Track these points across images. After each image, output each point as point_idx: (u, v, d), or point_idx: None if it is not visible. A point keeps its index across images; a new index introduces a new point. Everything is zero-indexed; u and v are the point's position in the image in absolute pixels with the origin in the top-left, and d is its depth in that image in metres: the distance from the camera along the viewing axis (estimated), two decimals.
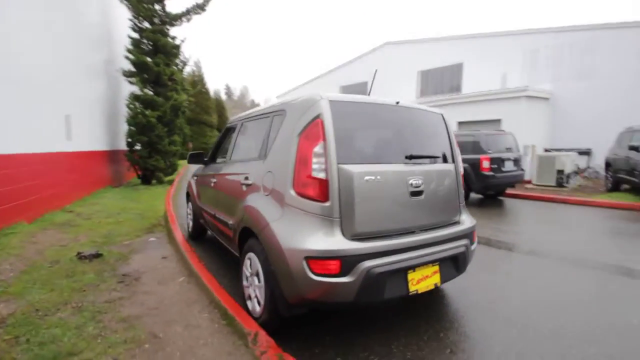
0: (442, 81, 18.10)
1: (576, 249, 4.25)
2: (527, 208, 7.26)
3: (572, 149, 11.87)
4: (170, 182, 10.06)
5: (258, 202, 2.28)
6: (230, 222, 2.80)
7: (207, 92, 26.96)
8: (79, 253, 3.60)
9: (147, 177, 9.49)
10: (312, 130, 2.02)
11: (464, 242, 2.43)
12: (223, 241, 3.25)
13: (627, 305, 2.73)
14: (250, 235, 2.43)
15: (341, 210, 1.95)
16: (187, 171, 15.24)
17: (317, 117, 2.03)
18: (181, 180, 11.50)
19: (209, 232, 4.57)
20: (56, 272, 3.18)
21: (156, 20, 9.24)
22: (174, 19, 9.43)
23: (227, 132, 3.84)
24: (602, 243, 4.63)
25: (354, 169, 2.03)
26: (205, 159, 4.05)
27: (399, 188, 2.17)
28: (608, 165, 9.19)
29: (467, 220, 2.59)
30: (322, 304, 1.99)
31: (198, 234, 4.53)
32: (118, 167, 9.37)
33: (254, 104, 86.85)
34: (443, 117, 2.67)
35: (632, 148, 7.44)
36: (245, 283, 2.48)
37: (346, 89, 22.67)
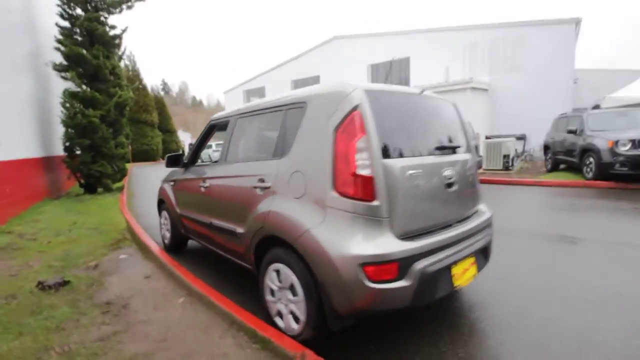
0: (391, 74, 18.72)
1: (538, 224, 4.62)
2: (487, 191, 7.79)
3: (509, 135, 13.01)
4: (120, 189, 9.03)
5: (287, 207, 2.03)
6: (239, 230, 2.50)
7: (145, 89, 24.77)
8: (39, 283, 2.98)
9: (92, 185, 8.39)
10: (351, 123, 1.83)
11: (490, 230, 2.45)
12: (223, 252, 2.91)
13: (577, 265, 3.00)
14: (273, 245, 2.18)
15: (389, 208, 1.81)
16: (134, 176, 13.92)
17: (355, 109, 1.85)
18: (133, 187, 10.42)
19: (192, 242, 4.15)
20: (17, 309, 2.59)
21: (90, 7, 8.11)
22: (113, 6, 8.36)
23: (210, 131, 3.45)
24: (565, 218, 5.10)
25: (396, 163, 1.89)
26: (185, 162, 3.62)
27: (436, 181, 2.09)
28: (547, 148, 10.23)
29: (484, 208, 2.61)
30: (375, 312, 1.83)
31: (177, 246, 4.06)
32: (55, 175, 8.15)
33: (195, 101, 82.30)
34: (455, 105, 2.64)
35: (570, 132, 8.35)
36: (270, 298, 2.22)
37: (298, 84, 22.41)
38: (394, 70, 18.47)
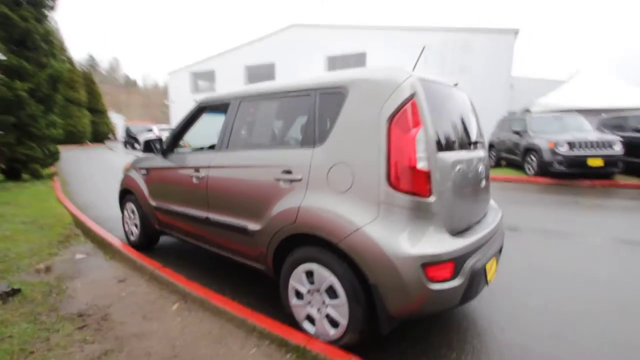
0: (348, 68, 18.87)
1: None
2: None
3: None
4: (51, 176, 7.77)
5: (327, 203, 1.82)
6: (252, 227, 2.22)
7: (71, 62, 21.68)
8: None
9: (16, 171, 7.07)
10: (407, 114, 1.68)
11: (503, 225, 2.51)
12: (223, 251, 2.58)
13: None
14: (302, 243, 1.97)
15: (442, 204, 1.72)
16: (64, 161, 12.23)
17: (412, 97, 1.71)
18: (65, 174, 9.09)
19: (164, 238, 3.68)
20: None
21: None
22: None
23: (198, 114, 3.04)
24: (522, 211, 5.58)
25: (448, 157, 1.81)
26: (164, 148, 3.15)
27: (475, 176, 2.06)
28: (491, 146, 11.19)
29: (494, 204, 2.67)
30: (426, 314, 1.74)
31: (148, 243, 3.57)
32: None
33: (129, 80, 74.63)
34: (470, 98, 2.64)
35: (515, 132, 9.20)
36: (296, 302, 2.01)
37: (252, 70, 21.51)
38: (351, 65, 18.63)
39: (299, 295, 2.01)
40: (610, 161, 7.34)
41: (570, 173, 7.51)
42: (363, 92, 1.83)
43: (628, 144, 7.64)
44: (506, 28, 15.41)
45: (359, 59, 18.31)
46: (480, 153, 2.29)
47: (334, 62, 19.05)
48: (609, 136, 7.64)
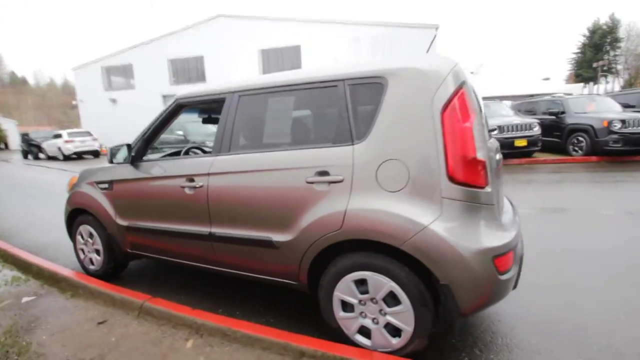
0: (283, 62, 18.53)
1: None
2: None
3: None
4: None
5: (380, 204, 1.66)
6: (278, 238, 1.96)
7: None
8: None
9: None
10: (460, 103, 1.62)
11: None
12: (238, 270, 2.24)
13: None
14: (346, 251, 1.80)
15: (494, 194, 1.71)
16: None
17: (462, 86, 1.65)
18: None
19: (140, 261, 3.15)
20: None
21: None
22: None
23: (175, 113, 2.60)
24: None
25: (491, 145, 1.81)
26: (133, 155, 2.63)
27: (497, 164, 2.10)
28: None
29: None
30: (490, 306, 1.72)
31: (115, 270, 2.99)
32: None
33: (15, 78, 62.99)
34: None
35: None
36: (344, 314, 1.83)
37: (177, 64, 19.80)
38: (285, 58, 18.31)
39: (346, 307, 1.84)
40: None
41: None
42: (408, 82, 1.70)
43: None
44: (428, 23, 16.64)
45: (293, 52, 18.09)
46: (495, 141, 2.35)
47: (268, 55, 18.53)
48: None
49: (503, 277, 1.60)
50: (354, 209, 1.72)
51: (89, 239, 2.99)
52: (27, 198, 7.24)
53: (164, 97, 20.31)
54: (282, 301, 2.52)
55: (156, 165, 2.54)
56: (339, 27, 17.24)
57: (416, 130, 1.65)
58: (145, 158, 2.68)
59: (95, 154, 17.28)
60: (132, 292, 2.51)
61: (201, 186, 2.23)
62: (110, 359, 1.89)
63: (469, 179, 1.59)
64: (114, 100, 21.17)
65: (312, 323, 2.23)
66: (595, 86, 40.33)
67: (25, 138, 19.75)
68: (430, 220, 1.58)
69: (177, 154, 3.06)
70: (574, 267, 2.86)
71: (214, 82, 2.49)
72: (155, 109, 20.02)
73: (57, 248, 3.89)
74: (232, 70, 18.48)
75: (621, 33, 45.41)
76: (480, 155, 1.60)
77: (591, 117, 8.38)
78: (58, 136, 16.79)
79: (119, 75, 21.42)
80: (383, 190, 1.69)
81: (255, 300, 2.56)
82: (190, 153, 3.13)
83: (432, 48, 16.53)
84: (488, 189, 1.64)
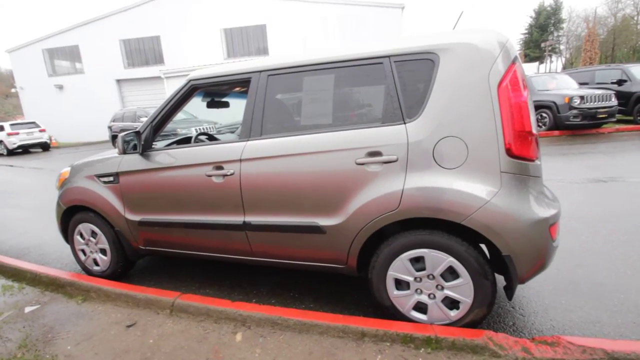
0: (249, 42, 17.77)
1: None
2: None
3: None
4: None
5: (439, 181, 1.66)
6: (325, 223, 1.92)
7: None
8: None
9: None
10: (515, 77, 1.64)
11: None
12: (275, 258, 2.17)
13: None
14: (401, 230, 1.80)
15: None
16: None
17: (515, 61, 1.67)
18: None
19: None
20: None
21: None
22: None
23: (187, 97, 2.40)
24: None
25: None
26: (142, 144, 2.41)
27: None
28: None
29: None
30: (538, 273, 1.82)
31: (124, 269, 2.78)
32: None
33: None
34: None
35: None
36: (399, 292, 1.85)
37: (130, 44, 18.28)
38: (251, 38, 17.56)
39: (400, 285, 1.86)
40: None
41: None
42: (462, 58, 1.69)
43: None
44: (394, 3, 16.66)
45: (258, 31, 17.38)
46: None
47: (232, 35, 17.65)
48: None
49: (555, 244, 1.70)
50: (411, 187, 1.71)
51: (91, 238, 2.74)
52: None
53: (118, 81, 18.76)
54: (315, 285, 2.50)
55: (171, 154, 2.35)
56: (306, 5, 16.72)
57: (473, 106, 1.66)
58: (154, 146, 2.48)
59: (45, 146, 15.74)
60: (158, 290, 2.36)
61: (232, 173, 2.10)
62: None
63: (524, 153, 1.64)
64: (60, 87, 19.19)
65: (354, 304, 2.24)
66: (542, 65, 43.17)
67: None
68: (491, 194, 1.62)
69: (185, 141, 2.85)
70: (574, 232, 3.11)
71: (233, 63, 2.31)
72: (109, 95, 18.56)
73: (41, 251, 3.55)
74: (193, 51, 17.42)
75: (564, 14, 48.62)
76: (534, 129, 1.65)
77: None
78: (32, 125, 15.03)
79: (64, 58, 19.32)
80: (441, 167, 1.69)
81: (287, 286, 2.52)
82: (197, 140, 2.93)
83: (397, 29, 16.64)
84: (538, 162, 1.71)
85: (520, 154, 1.63)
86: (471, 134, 1.66)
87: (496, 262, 1.77)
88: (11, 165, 11.54)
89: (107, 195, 2.57)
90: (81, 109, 18.98)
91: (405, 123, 1.76)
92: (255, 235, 2.14)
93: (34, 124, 15.54)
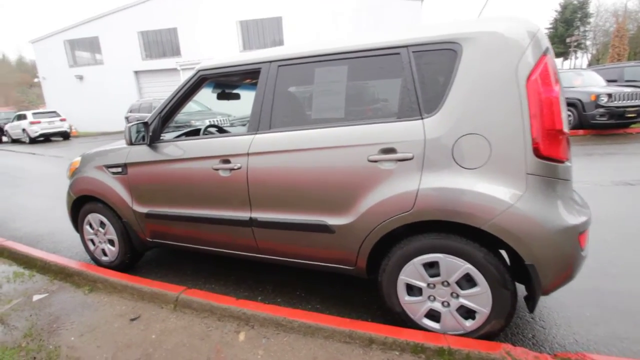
0: (264, 34, 17.68)
1: None
2: None
3: None
4: None
5: (460, 182, 1.54)
6: (334, 222, 1.82)
7: None
8: None
9: None
10: (546, 70, 1.50)
11: None
12: (280, 256, 2.10)
13: None
14: (411, 233, 1.70)
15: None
16: None
17: (546, 52, 1.53)
18: None
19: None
20: None
21: None
22: None
23: (197, 87, 2.33)
24: None
25: None
26: (150, 134, 2.37)
27: None
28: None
29: None
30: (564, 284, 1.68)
31: (131, 261, 2.77)
32: None
33: None
34: None
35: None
36: (410, 298, 1.75)
37: (149, 36, 18.47)
38: (266, 30, 17.47)
39: (412, 290, 1.75)
40: None
41: None
42: (485, 48, 1.55)
43: None
44: None
45: (274, 24, 17.25)
46: None
47: (247, 27, 17.59)
48: None
49: (583, 254, 1.56)
50: (427, 188, 1.60)
51: (100, 229, 2.73)
52: (1, 186, 6.64)
53: (136, 72, 19.02)
54: (323, 285, 2.42)
55: (179, 146, 2.29)
56: None
57: (498, 101, 1.52)
58: (163, 138, 2.43)
59: (65, 135, 16.12)
60: (163, 283, 2.33)
61: (239, 168, 2.03)
62: (158, 359, 1.74)
63: (553, 153, 1.50)
64: (80, 77, 19.61)
65: (363, 307, 2.15)
66: (566, 62, 41.53)
67: None
68: (515, 198, 1.49)
69: (194, 133, 2.80)
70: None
71: (243, 53, 2.23)
72: (127, 86, 18.85)
73: (54, 239, 3.59)
74: (209, 44, 17.46)
75: (591, 8, 46.49)
76: (565, 128, 1.51)
77: None
78: (22, 117, 15.46)
79: (84, 49, 19.70)
80: (461, 167, 1.57)
81: (294, 285, 2.45)
82: (207, 132, 2.88)
83: (415, 22, 16.22)
84: (568, 163, 1.57)
85: (549, 154, 1.50)
86: (495, 131, 1.52)
87: (517, 270, 1.64)
88: (33, 153, 11.87)
89: (116, 186, 2.54)
90: (100, 99, 19.35)
91: (422, 118, 1.64)
92: (261, 232, 2.07)
93: (55, 113, 15.93)
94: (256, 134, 2.02)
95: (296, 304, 2.20)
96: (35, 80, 21.23)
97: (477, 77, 1.56)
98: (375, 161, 1.70)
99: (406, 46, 1.70)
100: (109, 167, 2.57)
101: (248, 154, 2.01)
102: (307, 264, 2.04)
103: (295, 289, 2.41)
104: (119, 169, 2.52)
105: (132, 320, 2.08)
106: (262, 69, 2.05)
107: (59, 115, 15.90)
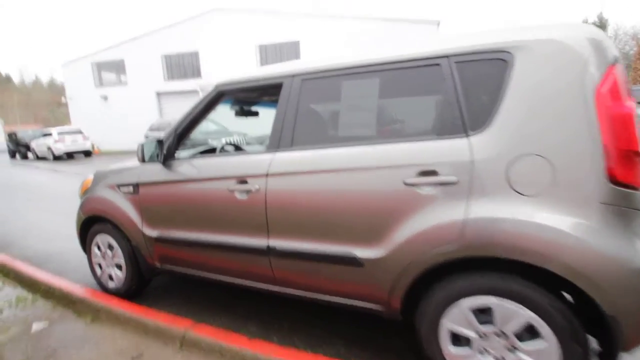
0: (282, 58, 18.03)
1: None
2: None
3: None
4: None
5: (517, 211, 1.30)
6: (363, 254, 1.59)
7: None
8: None
9: None
10: (615, 83, 1.27)
11: None
12: (299, 290, 1.86)
13: None
14: (457, 270, 1.44)
15: None
16: None
17: (615, 62, 1.30)
18: None
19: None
20: None
21: None
22: None
23: (214, 103, 2.20)
24: None
25: None
26: (165, 153, 2.22)
27: None
28: None
29: None
30: None
31: (139, 288, 2.57)
32: None
33: None
34: None
35: None
36: (458, 351, 1.47)
37: (171, 60, 19.15)
38: (284, 54, 17.84)
39: (459, 340, 1.48)
40: None
41: None
42: (545, 57, 1.34)
43: None
44: (430, 19, 16.37)
45: (292, 48, 17.62)
46: None
47: (266, 51, 18.02)
48: None
49: None
50: (475, 218, 1.36)
51: (108, 251, 2.57)
52: (19, 201, 6.70)
53: (158, 94, 19.64)
54: (347, 323, 2.15)
55: (194, 165, 2.14)
56: (338, 21, 16.81)
57: (561, 118, 1.29)
58: (177, 156, 2.29)
59: (87, 153, 16.57)
60: (170, 316, 2.12)
61: (257, 189, 1.84)
62: None
63: (631, 179, 1.25)
64: (105, 97, 20.38)
65: (395, 353, 1.87)
66: None
67: (12, 137, 18.89)
68: (587, 231, 1.23)
69: (211, 151, 2.66)
70: None
71: (263, 67, 2.09)
72: (149, 107, 19.43)
73: (62, 258, 3.46)
74: (229, 67, 17.92)
75: (609, 32, 46.00)
76: None
77: None
78: (47, 135, 16.01)
79: (110, 71, 20.59)
80: (517, 193, 1.33)
81: (313, 323, 2.18)
82: (223, 150, 2.73)
83: None
84: None
85: (627, 180, 1.24)
86: (558, 151, 1.29)
87: (588, 318, 1.36)
88: (55, 170, 12.16)
89: (126, 207, 2.40)
90: (123, 118, 19.96)
91: (468, 136, 1.42)
92: (279, 263, 1.85)
93: (79, 131, 16.45)
94: (277, 152, 1.84)
95: (316, 347, 1.93)
96: (63, 100, 22.16)
97: (533, 90, 1.34)
98: (413, 185, 1.48)
99: (447, 56, 1.51)
100: (121, 186, 2.44)
101: (267, 175, 1.82)
102: (330, 300, 1.80)
103: (314, 327, 2.14)
104: (130, 189, 2.38)
105: (134, 359, 1.86)
106: (285, 83, 1.89)
107: (82, 133, 16.41)
